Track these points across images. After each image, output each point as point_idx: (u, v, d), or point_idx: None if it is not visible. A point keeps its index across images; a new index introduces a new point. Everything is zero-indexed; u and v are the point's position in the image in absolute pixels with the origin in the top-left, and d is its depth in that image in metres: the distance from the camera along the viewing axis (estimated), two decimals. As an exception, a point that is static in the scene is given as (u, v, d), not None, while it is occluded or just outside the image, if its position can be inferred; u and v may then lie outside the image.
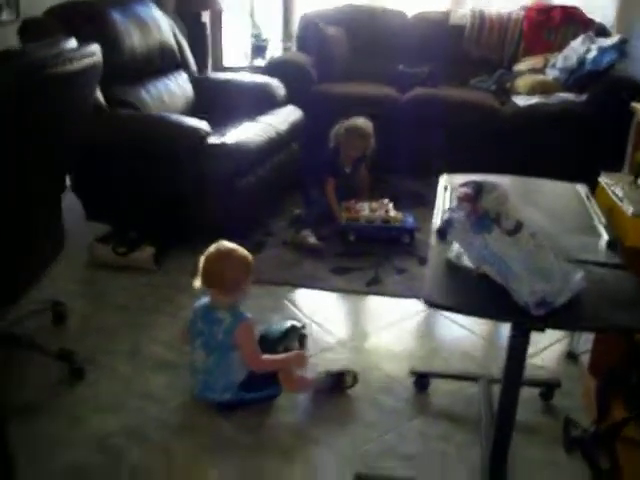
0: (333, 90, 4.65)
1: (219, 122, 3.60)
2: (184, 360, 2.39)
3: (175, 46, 4.14)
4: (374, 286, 3.13)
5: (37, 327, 2.65)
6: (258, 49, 5.56)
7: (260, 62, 5.38)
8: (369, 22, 5.15)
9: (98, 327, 2.73)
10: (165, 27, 4.05)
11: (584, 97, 4.22)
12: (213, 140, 3.30)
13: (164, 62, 4.00)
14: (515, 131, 4.21)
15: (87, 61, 1.94)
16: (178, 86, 4.07)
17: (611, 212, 2.03)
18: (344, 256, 3.42)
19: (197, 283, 2.22)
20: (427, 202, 3.62)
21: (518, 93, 4.50)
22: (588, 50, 4.38)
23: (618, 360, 2.09)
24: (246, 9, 5.64)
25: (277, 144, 3.75)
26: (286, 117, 4.03)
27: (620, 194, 2.11)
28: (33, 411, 2.21)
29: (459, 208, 1.55)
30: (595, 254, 1.67)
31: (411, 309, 2.93)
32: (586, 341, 2.55)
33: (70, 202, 3.11)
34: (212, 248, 2.24)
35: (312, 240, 3.47)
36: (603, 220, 1.87)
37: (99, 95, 3.27)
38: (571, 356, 2.61)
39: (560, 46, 4.70)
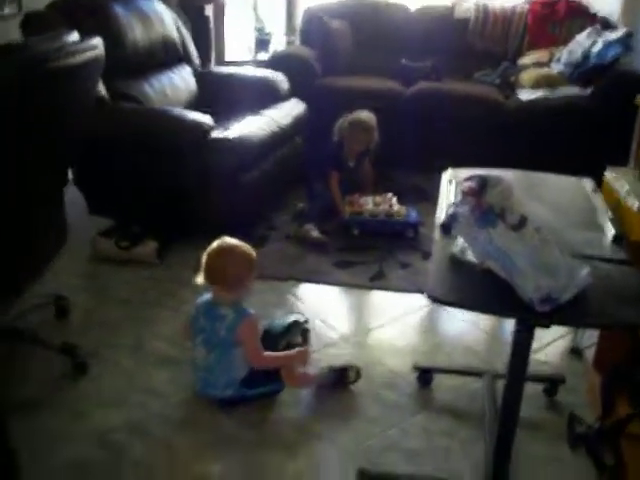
0: (337, 84, 4.64)
1: (222, 116, 3.58)
2: (186, 355, 2.38)
3: (178, 40, 4.12)
4: (378, 281, 3.12)
5: (40, 321, 2.65)
6: (261, 43, 5.54)
7: (263, 56, 5.36)
8: (373, 16, 5.13)
9: (101, 321, 2.73)
10: (168, 20, 4.03)
11: (589, 91, 4.19)
12: (216, 134, 3.29)
13: (167, 56, 3.99)
14: (519, 125, 4.19)
15: (89, 54, 1.93)
16: (181, 80, 4.05)
17: (616, 207, 2.01)
18: (348, 250, 3.41)
19: (200, 279, 2.22)
20: (431, 196, 3.59)
21: (522, 87, 4.48)
22: (593, 44, 4.36)
23: (623, 356, 2.08)
24: (249, 3, 5.61)
25: (280, 138, 3.74)
26: (289, 111, 4.01)
27: (626, 189, 2.10)
28: (35, 406, 2.21)
29: (463, 202, 1.53)
30: (600, 249, 1.66)
31: (415, 304, 2.92)
32: (590, 336, 2.53)
33: (73, 196, 3.11)
34: (214, 244, 2.23)
35: (315, 234, 3.46)
36: (609, 215, 1.85)
37: (102, 89, 3.26)
38: (575, 351, 2.59)
39: (565, 40, 4.67)
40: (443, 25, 5.02)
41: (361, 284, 3.10)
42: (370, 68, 4.84)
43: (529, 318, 1.43)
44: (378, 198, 3.69)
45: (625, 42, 4.26)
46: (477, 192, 1.50)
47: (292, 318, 2.55)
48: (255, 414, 2.21)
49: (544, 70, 4.54)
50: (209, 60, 5.06)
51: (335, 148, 3.87)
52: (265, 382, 2.24)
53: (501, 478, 1.82)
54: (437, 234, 1.72)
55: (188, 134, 3.21)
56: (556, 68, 4.54)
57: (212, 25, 5.19)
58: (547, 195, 2.12)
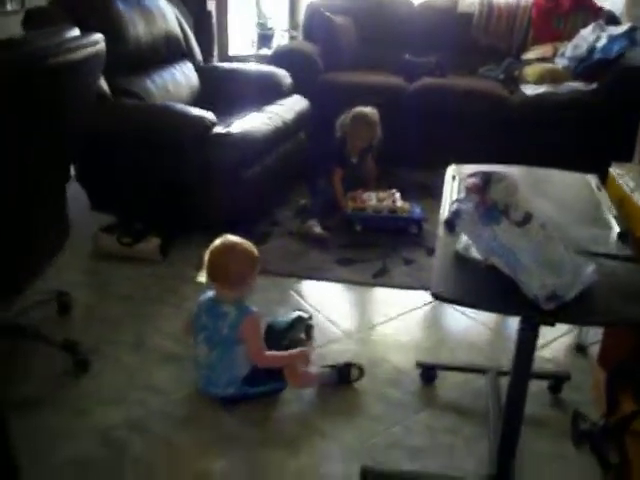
0: (340, 79, 4.62)
1: (225, 112, 3.57)
2: (188, 352, 2.37)
3: (180, 35, 4.11)
4: (381, 277, 3.11)
5: (42, 317, 2.64)
6: (264, 38, 5.53)
7: (266, 51, 5.35)
8: (376, 10, 5.11)
9: (102, 317, 2.72)
10: (170, 16, 4.02)
11: (594, 86, 4.17)
12: (218, 130, 3.28)
13: (169, 51, 3.97)
14: (523, 120, 4.16)
15: (90, 50, 1.92)
16: (183, 75, 4.04)
17: (622, 203, 1.99)
18: (350, 247, 3.40)
19: (203, 278, 2.20)
20: (434, 193, 3.57)
21: (527, 82, 4.45)
22: (598, 38, 4.33)
23: (628, 353, 2.06)
24: (252, -3, 5.61)
25: (283, 134, 3.72)
26: (292, 107, 4.00)
27: (631, 185, 2.07)
28: (37, 403, 2.20)
29: (467, 199, 1.51)
30: (606, 246, 1.64)
31: (418, 300, 2.91)
32: (595, 333, 2.52)
33: (75, 192, 3.10)
34: (217, 242, 2.21)
35: (318, 230, 3.45)
36: (614, 211, 1.84)
37: (104, 85, 3.26)
38: (580, 348, 2.58)
39: (569, 34, 4.64)
40: (447, 20, 4.99)
41: (364, 281, 3.08)
42: (373, 64, 4.82)
43: (534, 316, 1.42)
44: (381, 194, 3.67)
45: (630, 37, 4.23)
46: (481, 188, 1.49)
47: (296, 314, 2.55)
48: (257, 412, 2.20)
49: (548, 65, 4.51)
50: (212, 55, 5.04)
51: (338, 144, 3.85)
52: (267, 380, 2.22)
53: (505, 475, 1.81)
54: (441, 231, 1.70)
55: (190, 130, 3.19)
56: (560, 63, 4.52)
57: (214, 20, 5.17)
58: (551, 191, 2.10)
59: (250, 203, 3.45)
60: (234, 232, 2.28)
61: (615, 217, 1.80)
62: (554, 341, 2.62)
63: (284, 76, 4.25)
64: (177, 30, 4.07)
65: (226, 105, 3.75)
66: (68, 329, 2.62)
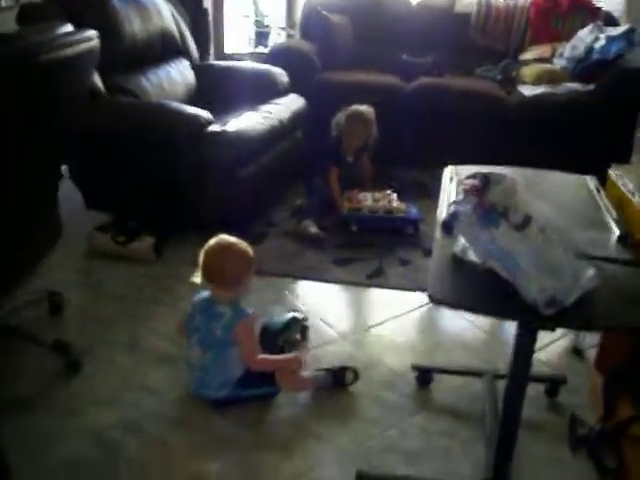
0: (337, 78, 4.60)
1: (221, 110, 3.55)
2: (182, 353, 2.34)
3: (176, 32, 4.08)
4: (377, 278, 3.09)
5: (33, 317, 2.61)
6: (260, 36, 5.51)
7: (262, 50, 5.33)
8: (373, 10, 5.09)
9: (95, 317, 2.69)
10: (166, 13, 3.99)
11: (592, 87, 4.15)
12: (213, 128, 3.25)
13: (165, 49, 3.95)
14: (521, 121, 4.15)
15: (83, 46, 1.90)
16: (179, 73, 4.01)
17: (621, 205, 1.97)
18: (346, 247, 3.38)
19: (198, 279, 2.18)
20: (431, 193, 3.56)
21: (524, 82, 4.43)
22: (596, 39, 4.32)
23: (625, 357, 2.05)
24: (249, -5, 5.59)
25: (279, 133, 3.70)
26: (289, 105, 3.97)
27: (631, 187, 2.05)
28: (28, 404, 2.17)
29: (465, 201, 1.49)
30: (605, 249, 1.62)
31: (414, 302, 2.89)
32: (592, 336, 2.50)
33: (69, 190, 3.08)
34: (212, 242, 2.19)
35: (314, 230, 3.43)
36: (613, 213, 1.82)
37: (98, 82, 3.23)
38: (576, 352, 2.56)
39: (568, 35, 4.63)
40: (444, 20, 4.96)
41: (360, 282, 3.06)
42: (370, 63, 4.79)
43: (533, 321, 1.40)
44: (377, 194, 3.65)
45: (628, 38, 4.23)
46: (480, 190, 1.46)
47: (291, 315, 2.53)
48: (251, 415, 2.18)
49: (546, 66, 4.49)
50: (208, 53, 5.02)
51: (334, 143, 3.83)
52: (260, 383, 2.20)
53: (502, 479, 1.79)
54: (438, 233, 1.68)
55: (185, 127, 3.17)
56: (558, 64, 4.50)
57: (211, 18, 5.15)
58: (549, 193, 2.08)
59: (245, 202, 3.43)
60: (229, 232, 2.26)
61: (614, 220, 1.78)
62: (551, 344, 2.59)
63: (280, 75, 4.23)
64: (173, 27, 4.04)
65: (222, 103, 3.72)
66: (60, 329, 2.59)
